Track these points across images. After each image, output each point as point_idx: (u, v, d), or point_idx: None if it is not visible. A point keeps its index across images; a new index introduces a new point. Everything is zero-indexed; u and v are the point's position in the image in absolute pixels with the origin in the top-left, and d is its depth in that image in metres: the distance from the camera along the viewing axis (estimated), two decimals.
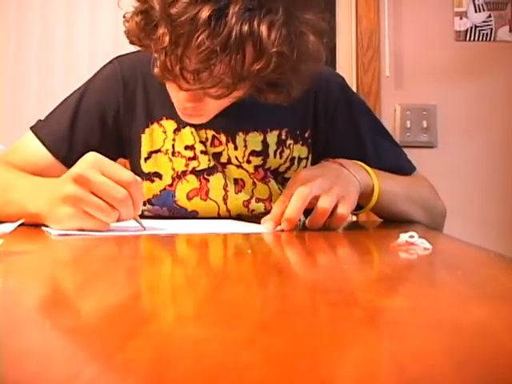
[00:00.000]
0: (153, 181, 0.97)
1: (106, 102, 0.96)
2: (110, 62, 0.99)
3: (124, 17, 0.78)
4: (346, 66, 1.88)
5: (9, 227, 0.60)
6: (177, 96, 0.82)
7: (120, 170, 0.68)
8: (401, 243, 0.58)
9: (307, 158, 1.00)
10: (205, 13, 0.67)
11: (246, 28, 0.68)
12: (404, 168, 1.02)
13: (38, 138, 0.95)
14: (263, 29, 0.68)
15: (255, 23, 0.68)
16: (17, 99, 2.05)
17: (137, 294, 0.39)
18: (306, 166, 1.00)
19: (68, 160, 0.90)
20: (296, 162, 0.99)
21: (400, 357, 0.24)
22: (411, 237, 0.58)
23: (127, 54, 0.99)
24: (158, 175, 0.97)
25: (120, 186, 0.66)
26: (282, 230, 0.75)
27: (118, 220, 0.68)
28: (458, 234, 0.75)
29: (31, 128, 0.97)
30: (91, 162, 0.67)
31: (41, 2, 2.04)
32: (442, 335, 0.27)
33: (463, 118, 1.85)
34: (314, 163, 1.00)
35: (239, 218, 0.97)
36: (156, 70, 0.75)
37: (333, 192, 0.76)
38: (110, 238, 0.68)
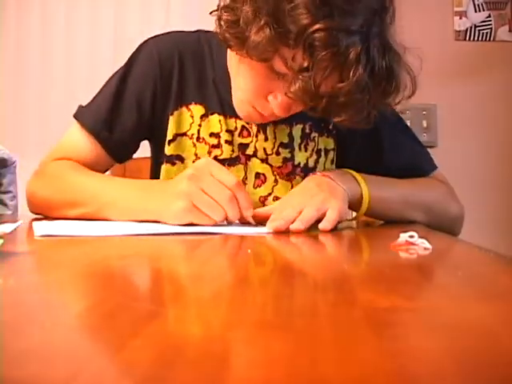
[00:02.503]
0: (174, 163, 0.98)
1: (144, 89, 0.96)
2: (146, 42, 0.98)
3: (226, 21, 0.79)
4: None
5: (9, 227, 0.60)
6: (266, 104, 0.85)
7: (227, 173, 0.75)
8: (401, 243, 0.58)
9: (334, 150, 1.02)
10: (355, 49, 0.72)
11: (383, 63, 0.77)
12: (421, 167, 1.03)
13: (80, 121, 0.96)
14: (394, 65, 0.78)
15: (387, 59, 0.78)
16: (17, 99, 2.05)
17: (137, 294, 0.39)
18: (333, 158, 1.02)
19: (108, 143, 0.95)
20: (323, 153, 1.01)
21: (400, 357, 0.24)
22: (411, 237, 0.58)
23: (161, 34, 0.99)
24: (180, 158, 0.98)
25: (225, 187, 0.73)
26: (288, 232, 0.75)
27: (227, 220, 0.75)
28: None
29: (74, 115, 0.98)
30: (203, 165, 0.75)
31: (41, 2, 2.04)
32: (441, 335, 0.27)
33: (463, 118, 1.85)
34: (338, 154, 1.02)
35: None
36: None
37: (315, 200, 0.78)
38: (110, 239, 0.68)
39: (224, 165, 0.95)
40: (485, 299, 0.35)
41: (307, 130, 0.99)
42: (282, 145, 0.98)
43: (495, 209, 1.84)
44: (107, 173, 1.06)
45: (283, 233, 0.73)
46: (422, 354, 0.24)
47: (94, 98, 1.00)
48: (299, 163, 0.99)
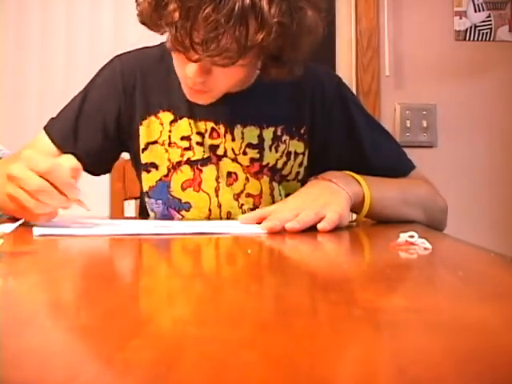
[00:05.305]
0: (149, 171, 0.99)
1: (106, 109, 0.99)
2: (111, 60, 1.02)
3: (136, 1, 0.84)
4: (346, 66, 1.88)
5: (9, 227, 0.60)
6: (186, 72, 0.85)
7: (36, 160, 0.69)
8: (401, 243, 0.58)
9: (303, 154, 1.02)
10: None
11: (247, 1, 0.73)
12: (403, 165, 1.04)
13: (49, 135, 1.00)
14: (264, 3, 0.74)
15: None
16: (17, 99, 2.04)
17: (137, 295, 0.39)
18: (302, 162, 1.02)
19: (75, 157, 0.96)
20: (292, 156, 1.01)
21: (400, 357, 0.24)
22: (411, 236, 0.58)
23: (129, 51, 1.03)
24: (155, 166, 0.99)
25: (39, 175, 0.68)
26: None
27: (56, 208, 0.71)
28: (457, 234, 0.75)
29: (44, 127, 1.02)
30: (21, 159, 0.70)
31: (41, 2, 2.04)
32: (442, 335, 0.27)
33: (463, 118, 1.84)
34: (310, 159, 1.01)
35: (229, 216, 0.99)
36: (168, 44, 0.80)
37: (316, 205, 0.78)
38: (109, 239, 0.68)
39: (197, 165, 0.98)
40: (485, 299, 0.35)
41: (278, 133, 1.00)
42: (249, 145, 0.99)
43: (495, 209, 1.84)
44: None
45: (279, 233, 0.73)
46: (421, 354, 0.24)
47: (63, 109, 1.02)
48: (268, 163, 1.00)
